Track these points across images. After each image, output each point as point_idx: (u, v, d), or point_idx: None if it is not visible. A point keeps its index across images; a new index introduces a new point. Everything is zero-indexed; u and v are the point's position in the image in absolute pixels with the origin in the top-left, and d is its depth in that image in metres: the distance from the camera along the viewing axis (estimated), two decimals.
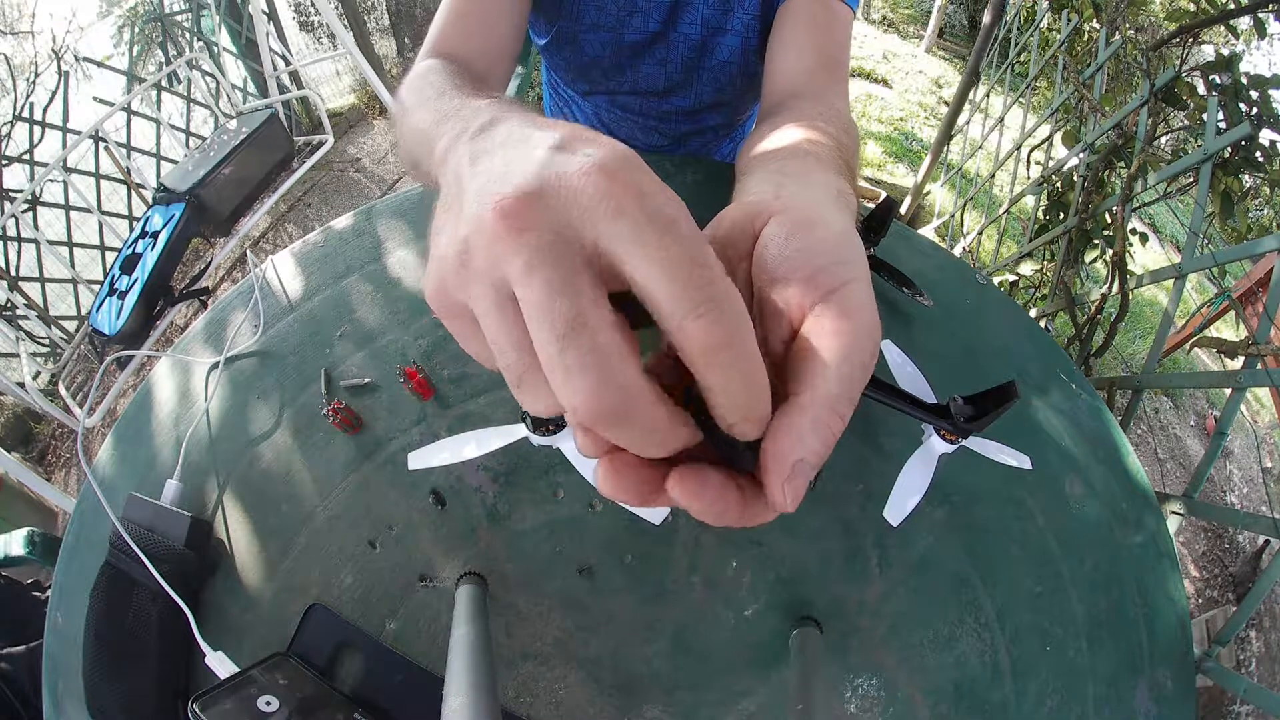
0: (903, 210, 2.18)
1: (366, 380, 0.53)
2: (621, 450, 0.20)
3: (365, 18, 2.36)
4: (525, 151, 0.20)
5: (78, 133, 1.48)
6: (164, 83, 1.68)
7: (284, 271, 0.63)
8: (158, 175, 1.72)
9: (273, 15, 1.92)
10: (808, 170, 0.34)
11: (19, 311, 1.49)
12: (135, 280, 1.30)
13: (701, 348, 0.18)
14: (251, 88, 1.99)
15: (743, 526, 0.21)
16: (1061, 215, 1.32)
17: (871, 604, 0.48)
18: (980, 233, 1.86)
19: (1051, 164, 1.45)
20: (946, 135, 1.94)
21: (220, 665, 0.40)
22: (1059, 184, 1.39)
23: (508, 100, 0.29)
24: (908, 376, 0.54)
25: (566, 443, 0.44)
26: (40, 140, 1.52)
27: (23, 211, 1.41)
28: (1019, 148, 1.58)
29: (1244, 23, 1.16)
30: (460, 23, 0.57)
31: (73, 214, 1.59)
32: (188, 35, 1.83)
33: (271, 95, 1.78)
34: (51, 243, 1.52)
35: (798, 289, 0.23)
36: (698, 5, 0.66)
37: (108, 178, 1.64)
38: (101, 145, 1.53)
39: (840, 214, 0.27)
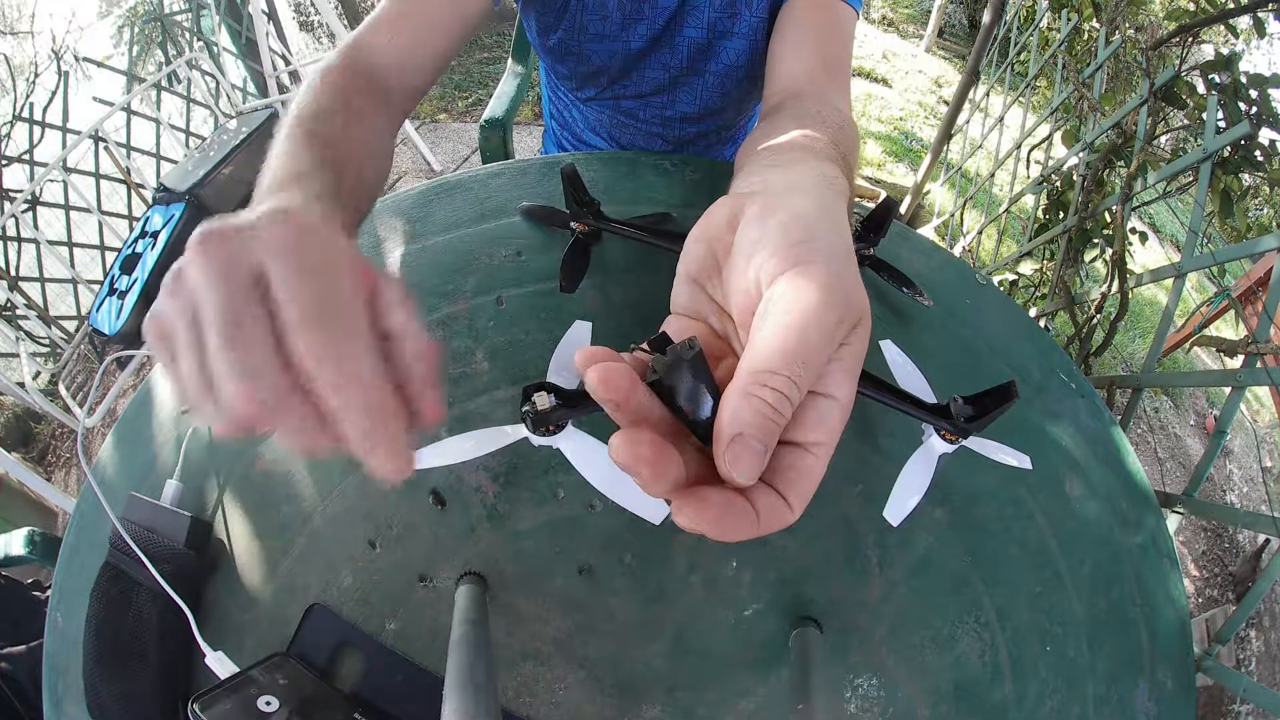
0: (902, 210, 2.18)
1: None
2: (640, 424, 0.22)
3: (365, 17, 2.36)
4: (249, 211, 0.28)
5: (78, 133, 1.48)
6: (164, 83, 1.68)
7: None
8: (158, 175, 1.72)
9: (273, 15, 1.92)
10: (797, 160, 0.34)
11: (19, 311, 1.49)
12: (135, 280, 1.31)
13: (309, 355, 0.22)
14: (251, 88, 1.99)
15: (763, 534, 0.21)
16: (1061, 214, 1.32)
17: (871, 604, 0.48)
18: (980, 232, 1.86)
19: (1051, 163, 1.45)
20: (946, 135, 1.94)
21: (220, 665, 0.40)
22: (1059, 183, 1.39)
23: (301, 181, 0.35)
24: (908, 376, 0.54)
25: (566, 443, 0.44)
26: (40, 140, 1.52)
27: (23, 211, 1.41)
28: (1019, 147, 1.58)
29: (1244, 22, 1.16)
30: (391, 25, 0.57)
31: (73, 214, 1.59)
32: (188, 35, 1.83)
33: (271, 95, 1.79)
34: (51, 243, 1.52)
35: (757, 271, 0.24)
36: (703, 8, 0.65)
37: (108, 178, 1.64)
38: (101, 145, 1.53)
39: (815, 197, 0.27)
